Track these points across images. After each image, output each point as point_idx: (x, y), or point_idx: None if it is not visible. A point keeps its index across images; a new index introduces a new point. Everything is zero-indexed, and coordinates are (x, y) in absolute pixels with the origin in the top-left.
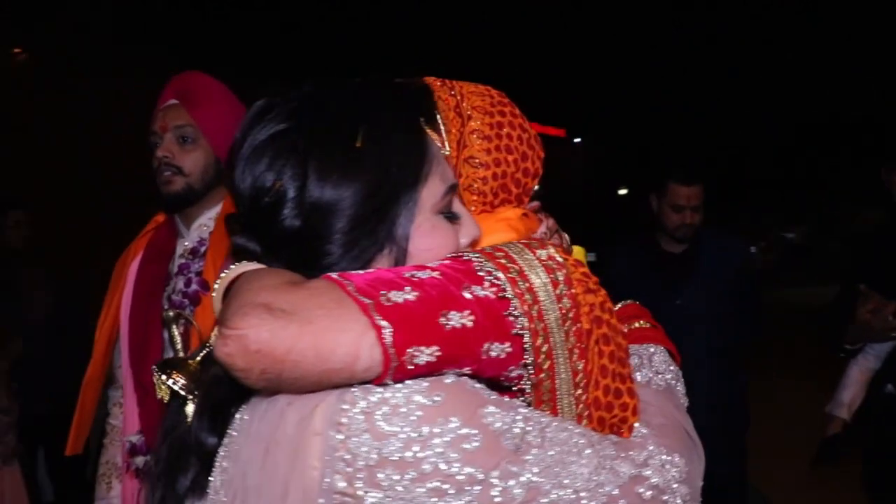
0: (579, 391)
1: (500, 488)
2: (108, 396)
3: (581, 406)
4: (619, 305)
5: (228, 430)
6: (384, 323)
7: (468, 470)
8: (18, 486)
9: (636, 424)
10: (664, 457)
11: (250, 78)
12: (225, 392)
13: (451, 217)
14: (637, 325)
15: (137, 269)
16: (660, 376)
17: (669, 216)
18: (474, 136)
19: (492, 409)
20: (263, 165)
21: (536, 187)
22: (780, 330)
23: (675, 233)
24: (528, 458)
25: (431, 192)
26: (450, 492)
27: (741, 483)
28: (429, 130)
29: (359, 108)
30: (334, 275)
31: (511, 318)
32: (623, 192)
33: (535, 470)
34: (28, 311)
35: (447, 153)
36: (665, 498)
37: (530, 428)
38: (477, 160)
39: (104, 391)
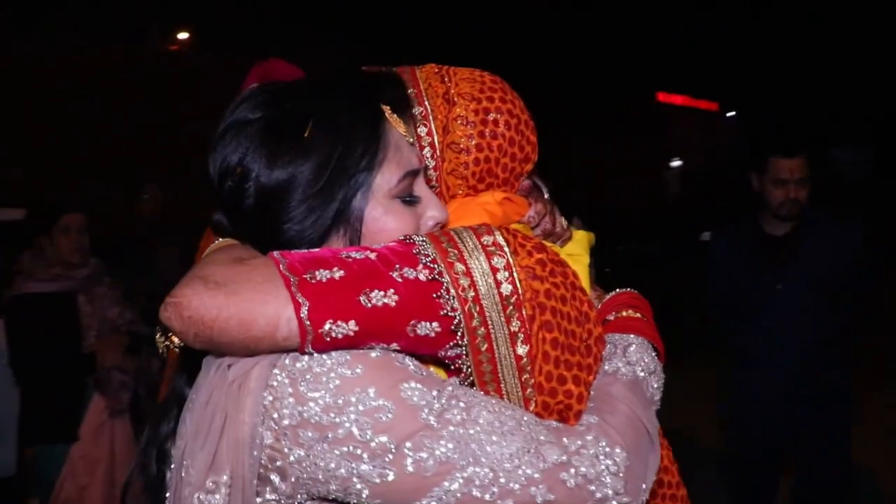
0: (525, 375)
1: (413, 459)
2: None
3: (529, 390)
4: (612, 294)
5: (195, 384)
6: (302, 299)
7: (380, 438)
8: (128, 438)
9: (585, 414)
10: (602, 448)
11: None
12: (198, 350)
13: (412, 200)
14: (625, 314)
15: None
16: (630, 367)
17: (772, 193)
18: (458, 121)
19: (413, 384)
20: (229, 150)
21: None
22: None
23: (780, 210)
24: (444, 433)
25: (386, 177)
26: (363, 457)
27: (844, 475)
28: (393, 119)
29: (314, 101)
30: (276, 253)
31: (441, 300)
32: None
33: (450, 445)
34: (159, 286)
35: (412, 139)
36: (591, 489)
37: (453, 405)
38: (459, 145)
39: None
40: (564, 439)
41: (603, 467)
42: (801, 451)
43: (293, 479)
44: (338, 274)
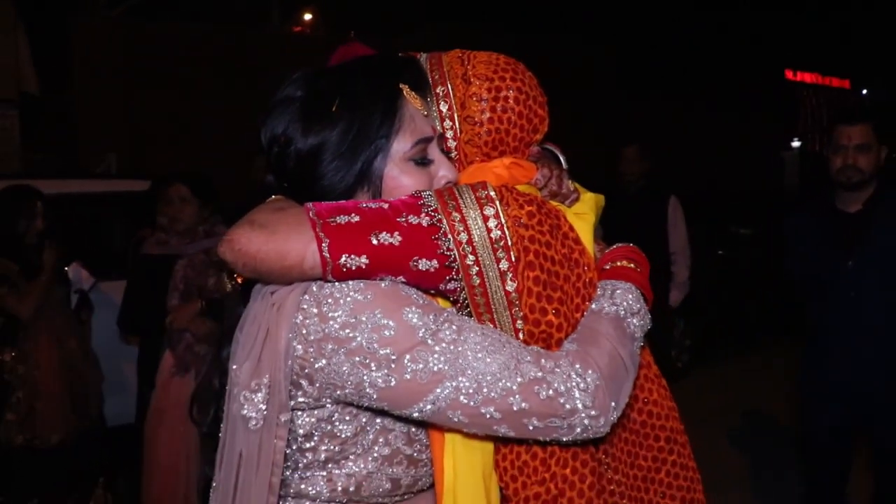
0: (515, 308)
1: (411, 369)
2: None
3: (519, 321)
4: (612, 247)
5: (246, 308)
6: (324, 237)
7: (384, 351)
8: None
9: (567, 342)
10: (576, 369)
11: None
12: (251, 280)
13: (425, 162)
14: (619, 264)
15: None
16: (613, 307)
17: (833, 161)
18: (473, 98)
19: (413, 309)
20: (276, 122)
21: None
22: None
23: (839, 177)
24: (436, 349)
25: (402, 143)
26: (371, 366)
27: None
28: (410, 96)
29: (342, 82)
30: (309, 203)
31: (439, 241)
32: None
33: (442, 359)
34: None
35: (426, 112)
36: (561, 401)
37: (446, 327)
38: (474, 119)
39: None
40: (542, 360)
41: (573, 384)
42: (876, 427)
43: (318, 384)
44: (354, 219)
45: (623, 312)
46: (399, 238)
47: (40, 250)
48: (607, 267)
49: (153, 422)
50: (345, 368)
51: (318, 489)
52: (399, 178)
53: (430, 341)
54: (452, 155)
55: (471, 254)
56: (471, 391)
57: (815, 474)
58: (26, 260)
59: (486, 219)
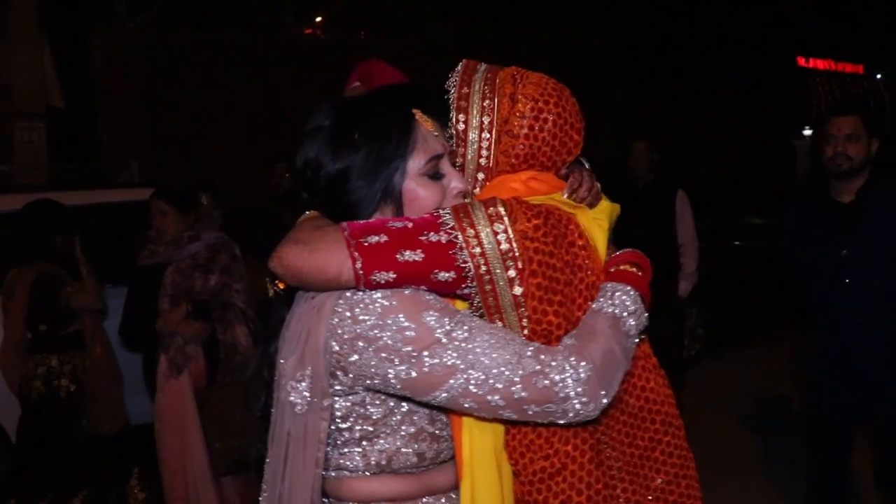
0: (521, 308)
1: (429, 363)
2: None
3: (525, 320)
4: (618, 252)
5: (291, 310)
6: (357, 256)
7: (406, 348)
8: (184, 395)
9: (566, 337)
10: (571, 361)
11: None
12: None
13: (438, 176)
14: (622, 268)
15: None
16: (612, 307)
17: (824, 150)
18: (516, 114)
19: (432, 313)
20: (308, 148)
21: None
22: None
23: (830, 165)
24: (450, 346)
25: (417, 161)
26: (395, 360)
27: None
28: (422, 119)
29: (361, 112)
30: (344, 224)
31: (456, 255)
32: None
33: (455, 355)
34: None
35: (437, 133)
36: (556, 390)
37: (459, 328)
38: (513, 132)
39: None
40: (542, 355)
41: (567, 375)
42: (875, 405)
43: (351, 375)
44: (383, 239)
45: (620, 312)
46: (421, 255)
47: (72, 260)
48: (612, 270)
49: (158, 423)
50: (373, 363)
51: (355, 463)
52: (416, 190)
53: (444, 340)
54: (482, 162)
55: (483, 264)
56: (479, 382)
57: (818, 452)
58: (65, 268)
59: (495, 233)
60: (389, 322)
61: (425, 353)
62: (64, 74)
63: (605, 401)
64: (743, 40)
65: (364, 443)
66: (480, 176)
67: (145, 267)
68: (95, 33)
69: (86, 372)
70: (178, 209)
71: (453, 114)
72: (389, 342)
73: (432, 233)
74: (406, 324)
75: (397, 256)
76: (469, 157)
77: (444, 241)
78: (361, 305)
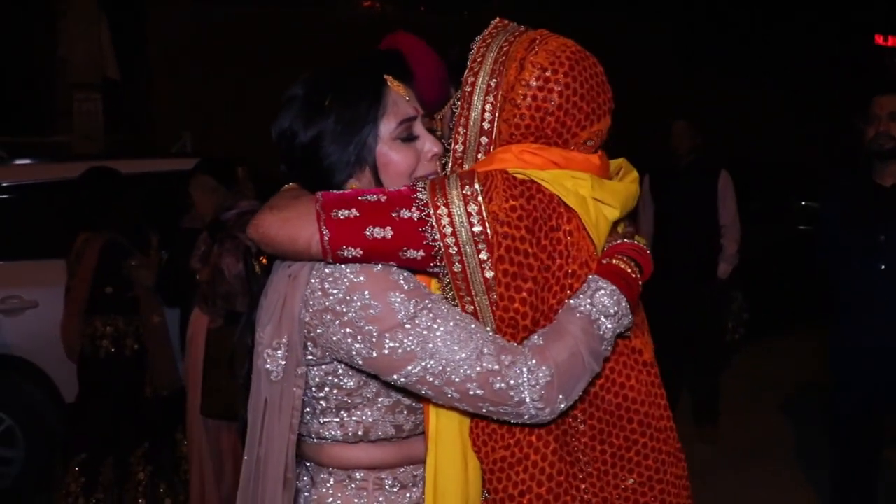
0: (493, 294)
1: (389, 346)
2: None
3: (495, 307)
4: (615, 243)
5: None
6: (325, 231)
7: (368, 327)
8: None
9: (536, 334)
10: (531, 364)
11: None
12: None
13: (411, 139)
14: (614, 261)
15: None
16: (589, 307)
17: (867, 131)
18: (521, 83)
19: (398, 293)
20: (282, 118)
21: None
22: None
23: (872, 145)
24: (412, 332)
25: (388, 125)
26: (358, 337)
27: None
28: (394, 84)
29: (333, 80)
30: (319, 194)
31: (426, 233)
32: None
33: (415, 342)
34: None
35: (409, 97)
36: (511, 393)
37: (424, 314)
38: (516, 101)
39: None
40: (503, 355)
41: (524, 380)
42: None
43: (320, 346)
44: (353, 213)
45: (596, 314)
46: (391, 232)
47: (133, 227)
48: (604, 262)
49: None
50: (337, 337)
51: (332, 433)
52: (389, 154)
53: (407, 325)
54: (485, 126)
55: (454, 245)
56: (436, 372)
57: (844, 451)
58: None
59: (469, 214)
60: (356, 298)
61: (386, 334)
62: (120, 48)
63: (562, 406)
64: (818, 18)
65: (342, 412)
66: (484, 140)
67: (187, 230)
68: (150, 8)
69: (145, 337)
70: (219, 181)
71: (466, 72)
72: (353, 318)
73: (404, 209)
74: (371, 301)
75: (366, 233)
76: (472, 118)
77: (415, 219)
78: (331, 279)
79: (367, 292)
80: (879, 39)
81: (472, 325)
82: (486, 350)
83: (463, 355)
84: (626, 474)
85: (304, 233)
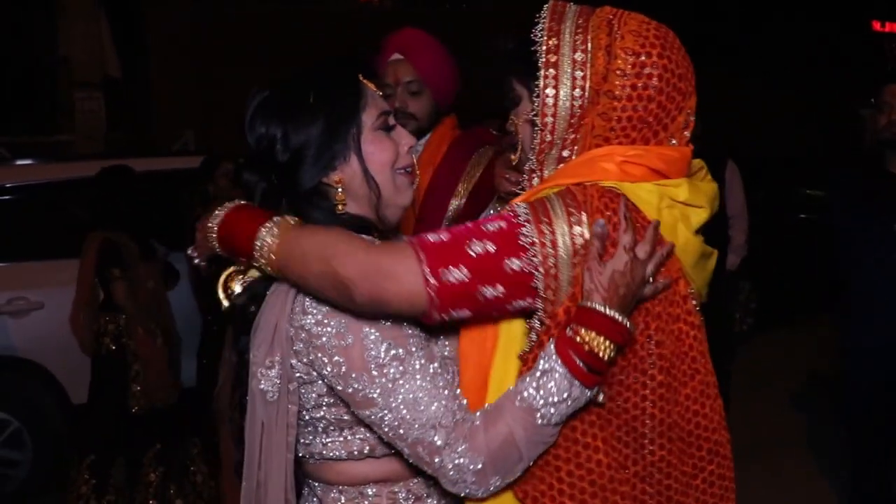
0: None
1: (353, 386)
2: None
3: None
4: (594, 307)
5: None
6: (435, 297)
7: (337, 357)
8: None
9: (479, 411)
10: (466, 453)
11: None
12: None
13: (389, 129)
14: (582, 332)
15: None
16: (533, 393)
17: (877, 120)
18: (616, 72)
19: (374, 331)
20: (259, 125)
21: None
22: None
23: (883, 134)
24: (377, 381)
25: (370, 117)
26: (327, 364)
27: None
28: (366, 82)
29: (315, 79)
30: (415, 242)
31: (535, 282)
32: None
33: (378, 391)
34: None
35: (381, 93)
36: (450, 474)
37: (394, 365)
38: (614, 93)
39: None
40: (450, 435)
41: (461, 464)
42: None
43: (302, 362)
44: (465, 275)
45: (540, 403)
46: (502, 290)
47: (142, 227)
48: (569, 332)
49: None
50: (311, 357)
51: (337, 452)
52: (373, 143)
53: (374, 373)
54: (573, 121)
55: (554, 277)
56: (392, 425)
57: (860, 436)
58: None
59: (573, 237)
60: (332, 323)
61: (353, 374)
62: (120, 46)
63: (498, 484)
64: (813, 4)
65: (345, 431)
66: (572, 136)
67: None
68: (150, 7)
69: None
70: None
71: (542, 69)
72: (325, 344)
73: (513, 258)
74: (344, 331)
75: (478, 297)
76: (560, 115)
77: (525, 271)
78: (312, 304)
79: (343, 320)
80: (877, 25)
81: (440, 386)
82: (441, 423)
83: (420, 420)
84: (691, 502)
85: (404, 291)
